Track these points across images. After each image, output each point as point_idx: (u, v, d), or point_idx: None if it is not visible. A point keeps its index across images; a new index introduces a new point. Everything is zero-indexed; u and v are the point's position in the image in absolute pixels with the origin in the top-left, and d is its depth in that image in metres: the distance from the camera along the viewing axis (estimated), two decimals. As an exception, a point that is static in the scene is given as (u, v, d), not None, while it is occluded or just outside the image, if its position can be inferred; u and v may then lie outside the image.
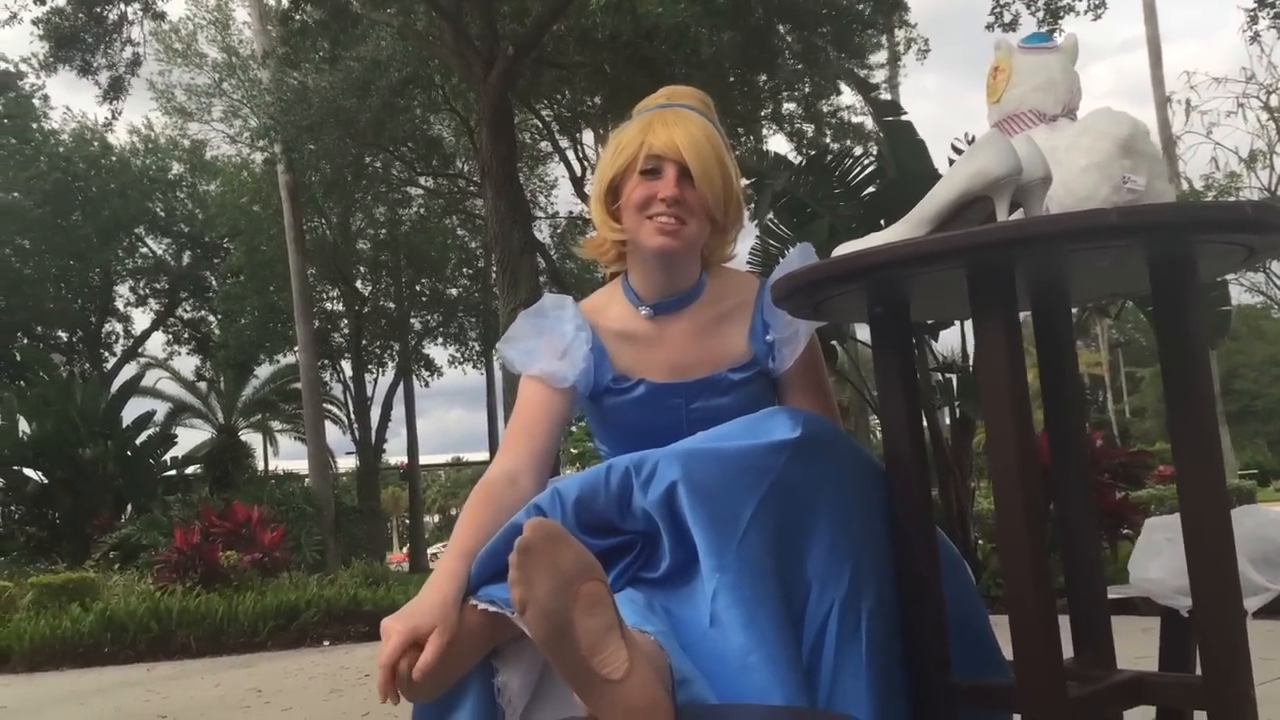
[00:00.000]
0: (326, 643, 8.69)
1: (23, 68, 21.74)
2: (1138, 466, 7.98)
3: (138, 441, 21.28)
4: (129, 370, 26.84)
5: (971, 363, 7.56)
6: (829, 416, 1.73)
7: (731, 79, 13.57)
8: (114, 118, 15.85)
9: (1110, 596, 1.58)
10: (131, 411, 21.66)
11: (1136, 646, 1.48)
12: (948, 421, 7.44)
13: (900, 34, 17.66)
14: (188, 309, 28.76)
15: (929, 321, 6.73)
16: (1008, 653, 1.37)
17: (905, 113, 6.76)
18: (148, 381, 24.47)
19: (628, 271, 1.80)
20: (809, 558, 1.36)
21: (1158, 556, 1.77)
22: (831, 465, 1.41)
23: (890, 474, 1.44)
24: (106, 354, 28.54)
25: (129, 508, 19.54)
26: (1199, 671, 1.30)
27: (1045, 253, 1.25)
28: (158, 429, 22.41)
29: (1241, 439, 37.27)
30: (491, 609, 1.38)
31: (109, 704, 6.01)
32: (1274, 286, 18.76)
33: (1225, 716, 1.23)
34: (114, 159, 25.97)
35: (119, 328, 28.78)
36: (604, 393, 1.76)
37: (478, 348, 26.10)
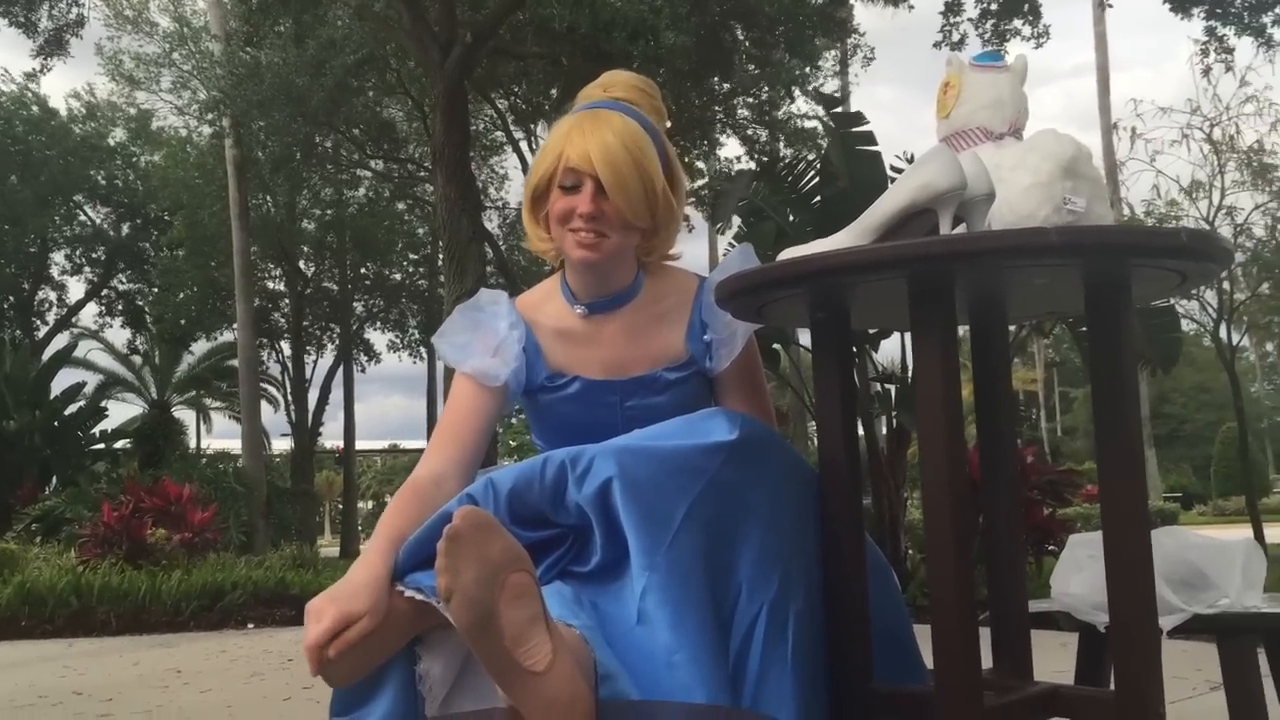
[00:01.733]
0: (251, 625, 8.58)
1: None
2: (1066, 484, 8.11)
3: (66, 413, 20.88)
4: (60, 340, 26.33)
5: (910, 374, 7.65)
6: (765, 419, 1.74)
7: (688, 82, 13.58)
8: (42, 71, 15.35)
9: (1032, 610, 1.61)
10: (61, 382, 21.27)
11: (1055, 661, 1.51)
12: (884, 431, 7.52)
13: (850, 41, 17.78)
14: (124, 280, 28.23)
15: (870, 331, 6.82)
16: (930, 662, 1.39)
17: (867, 122, 6.79)
18: (79, 352, 24.02)
19: (564, 269, 1.80)
20: (740, 560, 1.37)
21: (1079, 572, 1.80)
22: (766, 469, 1.42)
23: (824, 479, 1.45)
24: (38, 322, 27.94)
25: (54, 480, 19.15)
26: (1113, 687, 1.32)
27: (985, 268, 1.26)
28: (88, 401, 21.99)
29: (1168, 462, 38.07)
30: (418, 596, 1.38)
31: (23, 678, 5.89)
32: (1207, 315, 19.17)
33: (1136, 730, 1.26)
34: (55, 124, 25.42)
35: (52, 296, 28.20)
36: (538, 390, 1.75)
37: (418, 335, 25.91)
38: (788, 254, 1.42)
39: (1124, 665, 1.29)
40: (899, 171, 6.10)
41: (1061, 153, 1.38)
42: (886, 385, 7.53)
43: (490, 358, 1.73)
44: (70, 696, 5.23)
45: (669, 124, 1.75)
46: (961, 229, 1.33)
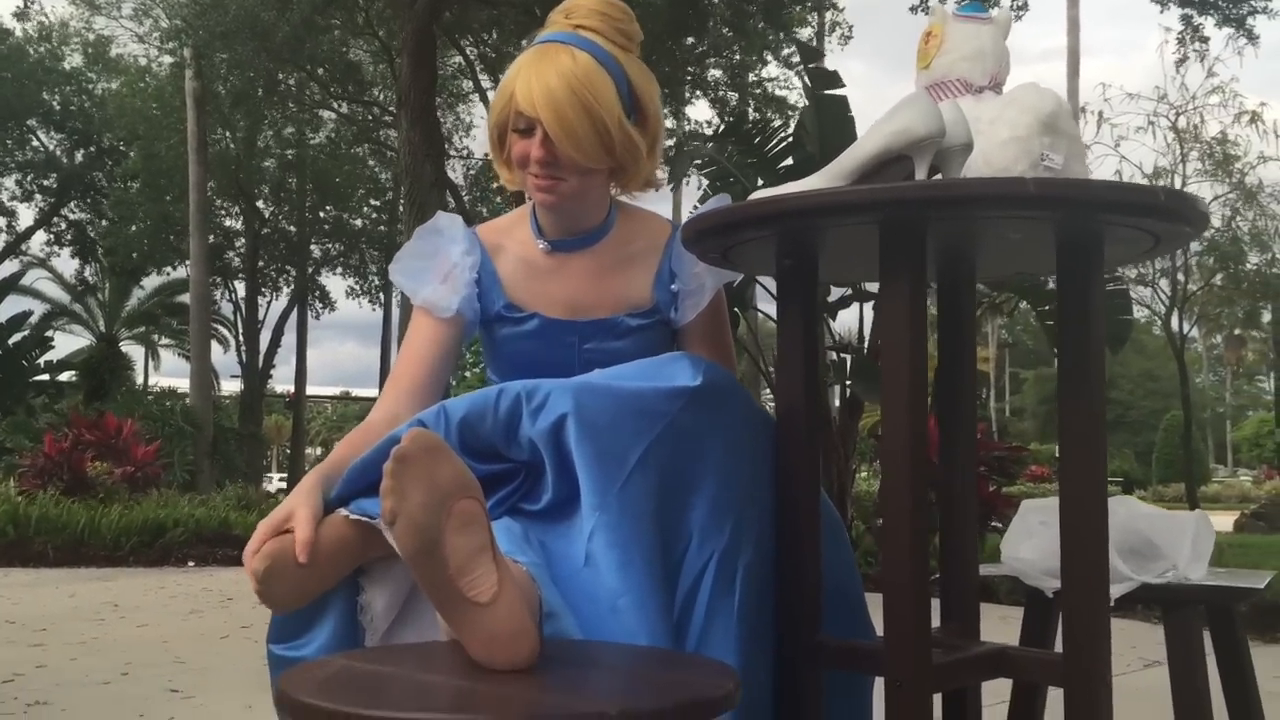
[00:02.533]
0: (191, 563, 8.50)
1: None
2: (1014, 461, 8.21)
3: (10, 341, 20.52)
4: (8, 267, 25.79)
5: (867, 345, 7.67)
6: (727, 348, 1.73)
7: (665, 42, 13.44)
8: (27, 4, 14.97)
9: (980, 574, 1.60)
10: (7, 310, 20.87)
11: (995, 633, 1.50)
12: (837, 402, 7.54)
13: (828, 15, 17.68)
14: (75, 209, 27.66)
15: (829, 299, 6.81)
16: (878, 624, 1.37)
17: (843, 85, 6.71)
18: (26, 280, 23.57)
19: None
20: (692, 507, 1.34)
21: (1030, 538, 1.79)
22: (726, 417, 1.38)
23: (782, 430, 1.42)
24: (-14, 248, 27.35)
25: (-5, 409, 18.83)
26: (1060, 650, 1.31)
27: (960, 216, 1.23)
28: (33, 330, 21.62)
29: (1111, 448, 38.60)
30: (363, 519, 1.34)
31: (-46, 605, 5.79)
32: (1159, 302, 19.42)
33: (1082, 693, 1.25)
34: (9, 44, 24.77)
35: (1, 222, 27.60)
36: (495, 320, 1.71)
37: (377, 282, 25.64)
38: (759, 194, 1.38)
39: (1073, 628, 1.27)
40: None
41: (1041, 107, 1.35)
42: (842, 354, 7.54)
43: (440, 285, 1.68)
44: (2, 625, 5.16)
45: (638, 49, 1.68)
46: (937, 179, 1.30)
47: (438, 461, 1.00)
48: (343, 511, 1.37)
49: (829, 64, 7.07)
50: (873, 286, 7.37)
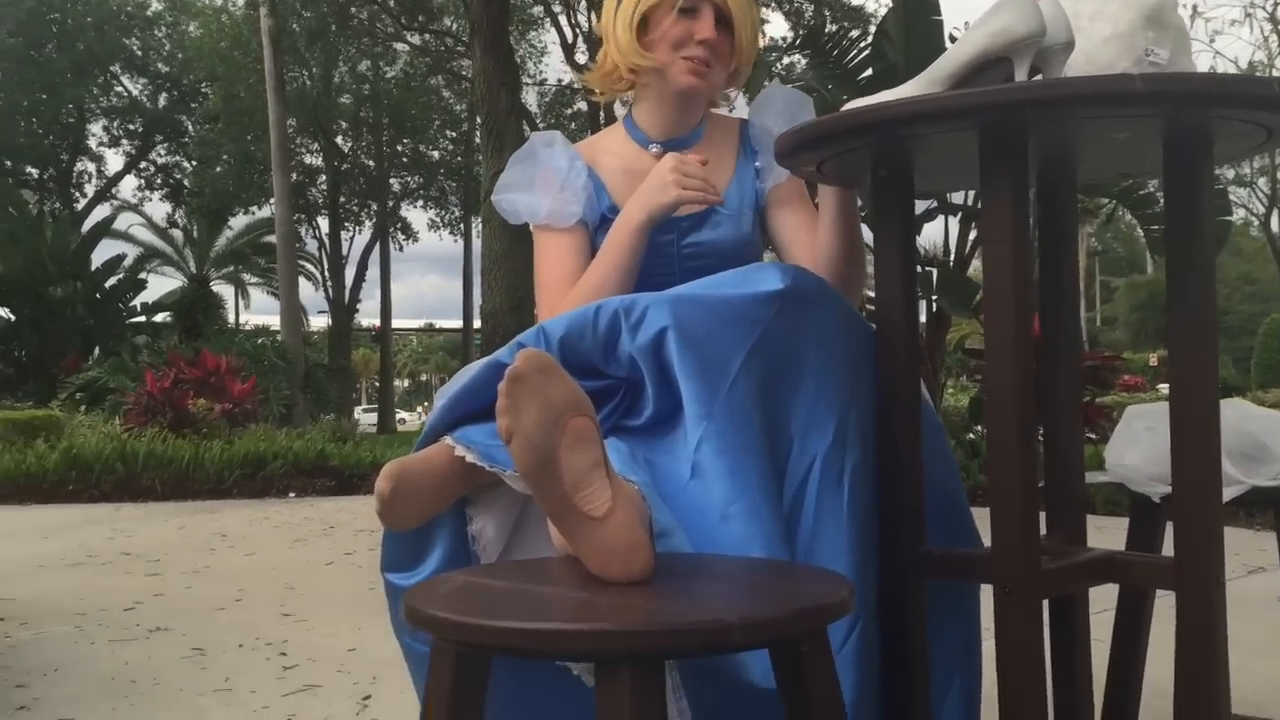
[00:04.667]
0: (292, 494, 8.75)
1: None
2: (1108, 371, 8.06)
3: (107, 285, 21.08)
4: (100, 212, 26.45)
5: (952, 258, 7.55)
6: (857, 252, 1.74)
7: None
8: None
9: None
10: (101, 254, 21.43)
11: (1092, 543, 1.49)
12: (923, 317, 7.45)
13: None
14: (162, 153, 28.21)
15: (922, 206, 6.68)
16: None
17: None
18: (119, 225, 24.16)
19: (631, 111, 1.81)
20: (794, 411, 1.34)
21: (1135, 444, 1.77)
22: (820, 320, 1.38)
23: (881, 338, 1.41)
24: (78, 194, 28.07)
25: (96, 350, 19.43)
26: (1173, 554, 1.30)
27: (1063, 117, 1.20)
28: (127, 273, 22.17)
29: (1208, 355, 37.58)
30: (468, 457, 1.37)
31: (73, 539, 6.05)
32: (1257, 201, 18.77)
33: (1196, 596, 1.24)
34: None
35: (91, 167, 28.28)
36: (601, 225, 1.74)
37: (458, 212, 25.82)
38: (852, 105, 1.36)
39: (1186, 531, 1.26)
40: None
41: (1145, 1, 1.31)
42: (928, 268, 7.43)
43: (557, 194, 1.72)
44: (119, 557, 5.38)
45: None
46: (1039, 81, 1.27)
47: (550, 380, 1.02)
48: (448, 441, 1.40)
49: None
50: (958, 199, 7.23)
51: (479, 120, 12.03)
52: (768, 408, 1.33)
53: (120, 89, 27.28)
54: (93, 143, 27.88)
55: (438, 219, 26.42)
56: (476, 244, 21.32)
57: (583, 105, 21.55)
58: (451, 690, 0.99)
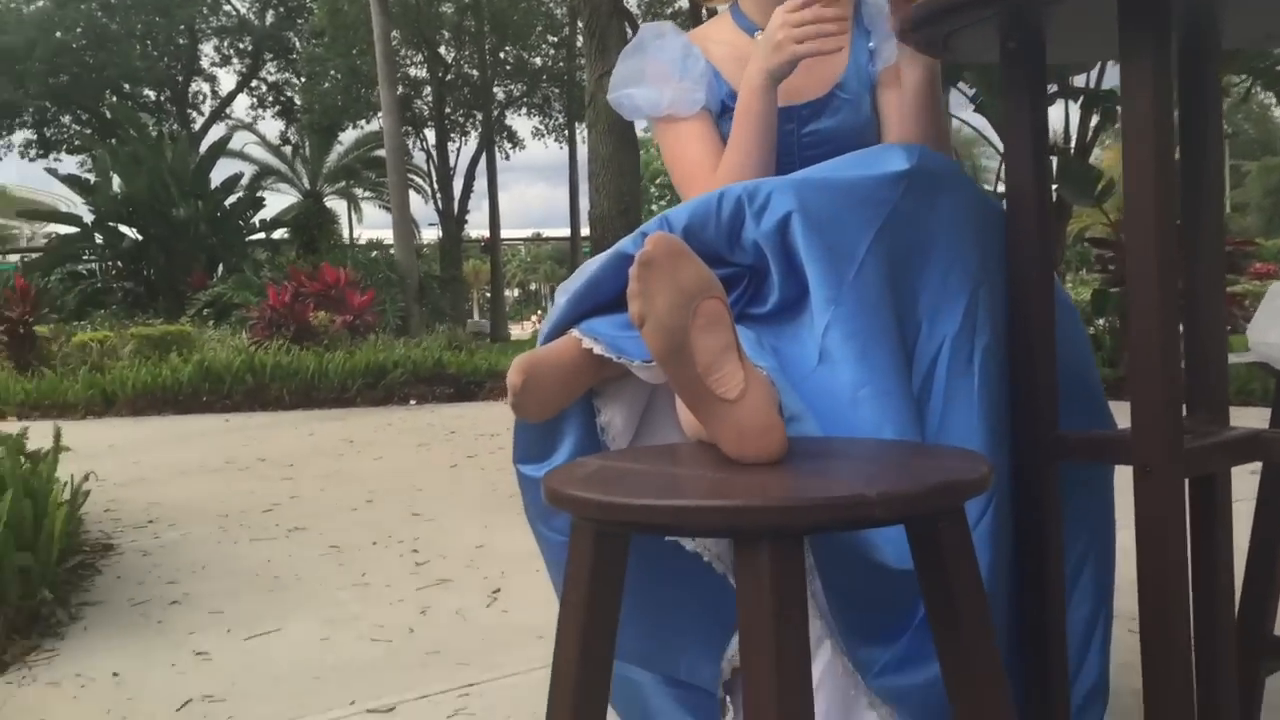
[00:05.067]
0: (412, 401, 8.98)
1: None
2: (1240, 256, 7.74)
3: (227, 203, 21.62)
4: (216, 132, 27.04)
5: (1073, 145, 7.28)
6: (941, 137, 1.69)
7: None
8: None
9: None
10: (219, 173, 21.94)
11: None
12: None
13: None
14: (271, 71, 28.64)
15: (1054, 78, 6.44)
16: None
17: None
18: (234, 144, 24.65)
19: (737, 1, 1.76)
20: (922, 293, 1.31)
21: (1279, 322, 1.70)
22: (946, 199, 1.34)
23: (1012, 216, 1.37)
24: (194, 114, 28.72)
25: (220, 267, 20.04)
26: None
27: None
28: (245, 191, 22.70)
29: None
30: (596, 349, 1.38)
31: (210, 446, 6.31)
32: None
33: (1350, 472, 1.20)
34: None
35: (205, 88, 28.93)
36: (720, 114, 1.71)
37: (561, 119, 25.75)
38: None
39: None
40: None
41: None
42: (1049, 156, 7.18)
43: (677, 84, 1.69)
44: (255, 462, 5.60)
45: None
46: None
47: (680, 264, 1.02)
48: (575, 333, 1.41)
49: None
50: (1079, 81, 6.93)
51: (580, 24, 11.91)
52: (895, 290, 1.31)
53: (229, 8, 27.68)
54: (205, 63, 28.45)
55: (542, 126, 26.42)
56: (581, 151, 21.26)
57: (683, 2, 21.16)
58: (592, 569, 1.01)
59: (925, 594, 1.00)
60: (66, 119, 27.11)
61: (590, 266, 1.50)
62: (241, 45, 27.99)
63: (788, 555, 0.87)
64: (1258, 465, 1.52)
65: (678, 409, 1.33)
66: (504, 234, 33.99)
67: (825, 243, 1.29)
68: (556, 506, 0.98)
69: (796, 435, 1.21)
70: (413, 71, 25.41)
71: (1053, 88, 6.30)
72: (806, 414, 1.25)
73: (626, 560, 1.04)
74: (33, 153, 26.58)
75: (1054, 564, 1.35)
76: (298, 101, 26.56)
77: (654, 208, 26.00)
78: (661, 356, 1.01)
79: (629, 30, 15.25)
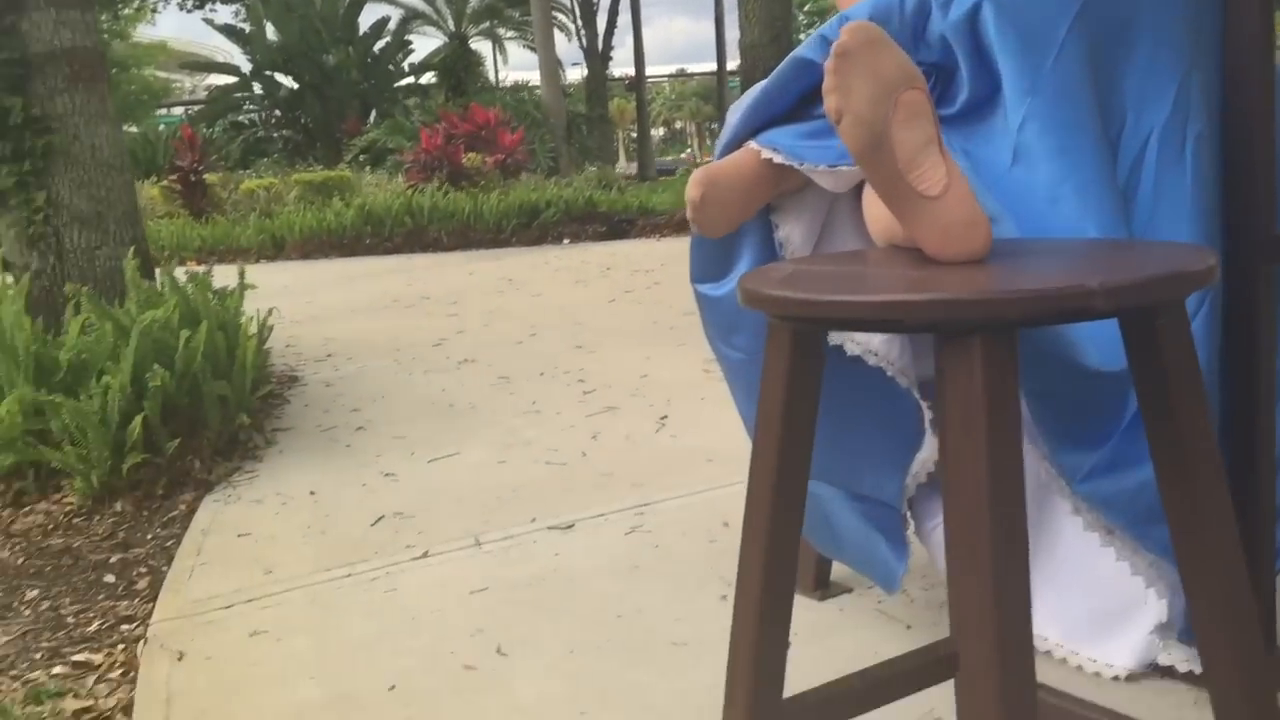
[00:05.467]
0: (566, 240, 9.05)
1: None
2: None
3: (376, 48, 21.75)
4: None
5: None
6: None
7: None
8: None
9: None
10: (366, 18, 22.02)
11: None
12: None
13: None
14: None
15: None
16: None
17: None
18: (380, -12, 24.60)
19: None
20: (1127, 79, 1.22)
21: None
22: None
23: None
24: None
25: (372, 113, 20.31)
26: None
27: None
28: (393, 36, 22.76)
29: None
30: (776, 158, 1.34)
31: (376, 286, 6.52)
32: None
33: None
34: None
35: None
36: None
37: (705, -53, 24.85)
38: None
39: None
40: None
41: None
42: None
43: None
44: (420, 300, 5.76)
45: None
46: None
47: (879, 53, 0.96)
48: (753, 145, 1.38)
49: None
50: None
51: None
52: (1098, 77, 1.22)
53: None
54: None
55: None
56: (728, -21, 20.56)
57: None
58: (789, 372, 0.99)
59: (1140, 392, 0.96)
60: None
61: (760, 84, 1.45)
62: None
63: (1002, 348, 0.84)
64: None
65: (866, 215, 1.29)
66: (648, 71, 33.43)
67: (1019, 30, 1.21)
68: (753, 308, 0.96)
69: (995, 237, 1.16)
70: (553, -96, 24.80)
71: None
72: (1004, 215, 1.19)
73: (824, 362, 1.02)
74: (190, 4, 27.12)
75: (1266, 369, 1.28)
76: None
77: (801, 36, 25.10)
78: (860, 153, 0.97)
79: None
